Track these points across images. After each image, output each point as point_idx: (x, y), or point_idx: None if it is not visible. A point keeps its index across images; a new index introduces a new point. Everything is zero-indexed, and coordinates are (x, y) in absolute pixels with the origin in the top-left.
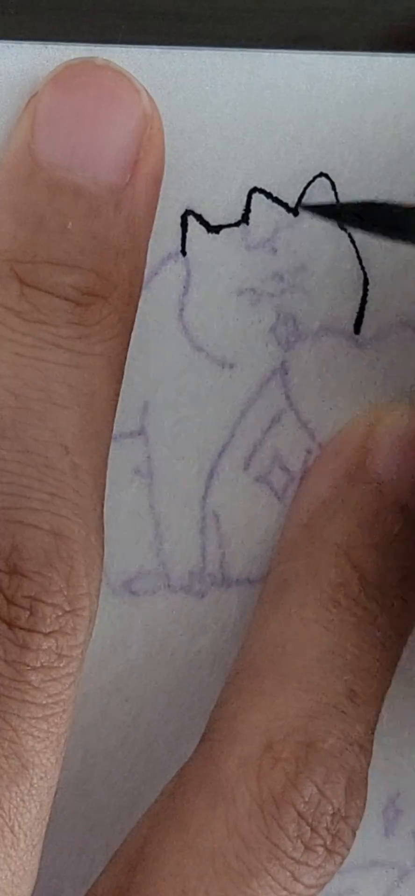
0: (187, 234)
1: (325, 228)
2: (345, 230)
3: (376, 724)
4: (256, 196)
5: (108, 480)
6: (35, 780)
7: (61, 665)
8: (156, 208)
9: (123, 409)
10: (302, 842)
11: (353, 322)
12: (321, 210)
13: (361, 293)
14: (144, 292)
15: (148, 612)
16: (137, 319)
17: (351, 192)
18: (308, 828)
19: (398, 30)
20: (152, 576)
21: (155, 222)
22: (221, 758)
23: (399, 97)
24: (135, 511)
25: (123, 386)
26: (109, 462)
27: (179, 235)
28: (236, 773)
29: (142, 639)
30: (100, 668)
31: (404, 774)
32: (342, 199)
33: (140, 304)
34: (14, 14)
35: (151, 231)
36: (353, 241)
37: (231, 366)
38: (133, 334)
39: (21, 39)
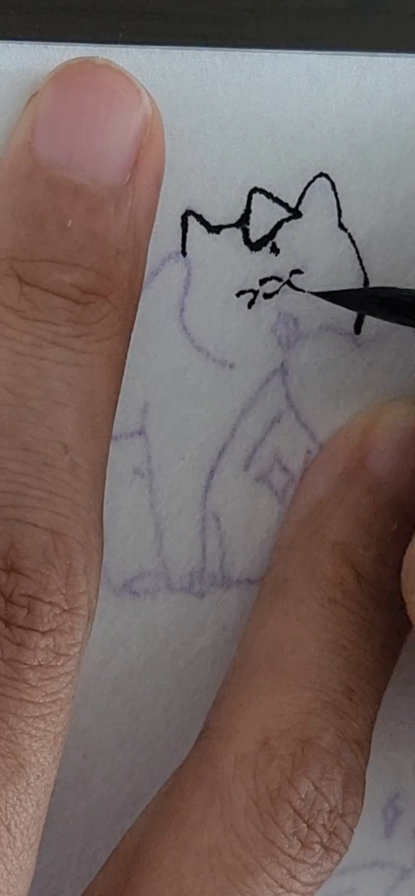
0: (187, 234)
1: (325, 228)
2: (345, 230)
3: (374, 722)
4: (256, 196)
5: (108, 480)
6: (32, 780)
7: (59, 664)
8: (156, 208)
9: (123, 409)
10: (299, 839)
11: (353, 322)
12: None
13: None
14: (144, 292)
15: (148, 612)
16: (137, 319)
17: (351, 192)
18: (305, 825)
19: (398, 30)
20: (152, 576)
21: (155, 222)
22: (218, 755)
23: (399, 97)
24: (135, 511)
25: (123, 386)
26: (109, 462)
27: (180, 235)
28: (233, 770)
29: (142, 639)
30: (100, 669)
31: (404, 774)
32: (342, 198)
33: (140, 303)
34: (14, 14)
35: (151, 230)
36: (353, 242)
37: (231, 366)
38: (133, 334)
39: (21, 39)
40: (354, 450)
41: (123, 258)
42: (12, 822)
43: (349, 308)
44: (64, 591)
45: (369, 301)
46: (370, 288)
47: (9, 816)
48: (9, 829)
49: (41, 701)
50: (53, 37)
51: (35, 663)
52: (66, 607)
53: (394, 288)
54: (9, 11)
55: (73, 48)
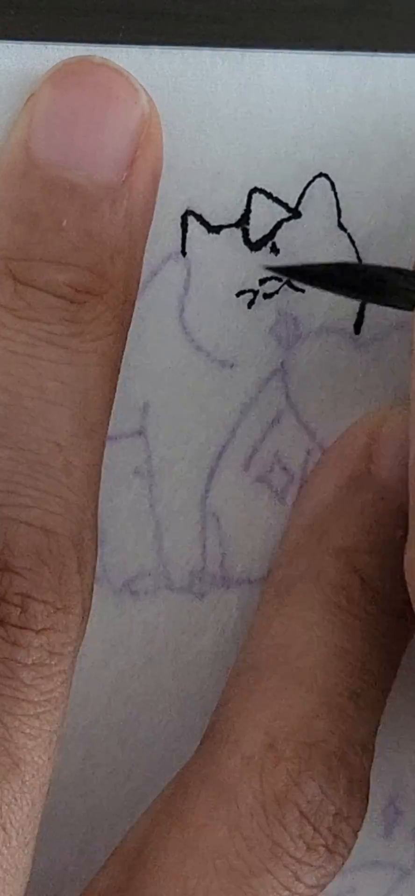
0: (187, 234)
1: (324, 228)
2: (344, 230)
3: (377, 726)
4: (256, 196)
5: (108, 480)
6: (27, 778)
7: (53, 663)
8: (154, 207)
9: (123, 409)
10: (304, 841)
11: (353, 322)
12: (291, 272)
13: None
14: (144, 292)
15: (148, 612)
16: (136, 319)
17: (351, 192)
18: (310, 827)
19: (398, 30)
20: (152, 576)
21: (155, 222)
22: (223, 757)
23: (399, 97)
24: (135, 511)
25: (123, 386)
26: (109, 462)
27: (179, 235)
28: (239, 772)
29: (142, 639)
30: (100, 668)
31: (404, 774)
32: (342, 198)
33: (140, 304)
34: (14, 14)
35: (148, 230)
36: (352, 241)
37: (231, 366)
38: (133, 334)
39: (21, 39)
40: (359, 455)
41: (119, 257)
42: (8, 821)
43: (305, 283)
44: (58, 590)
45: (324, 277)
46: (334, 264)
47: (4, 815)
48: (4, 828)
49: (36, 699)
50: (53, 37)
51: (29, 662)
52: (59, 606)
53: (358, 263)
54: (9, 11)
55: (72, 48)
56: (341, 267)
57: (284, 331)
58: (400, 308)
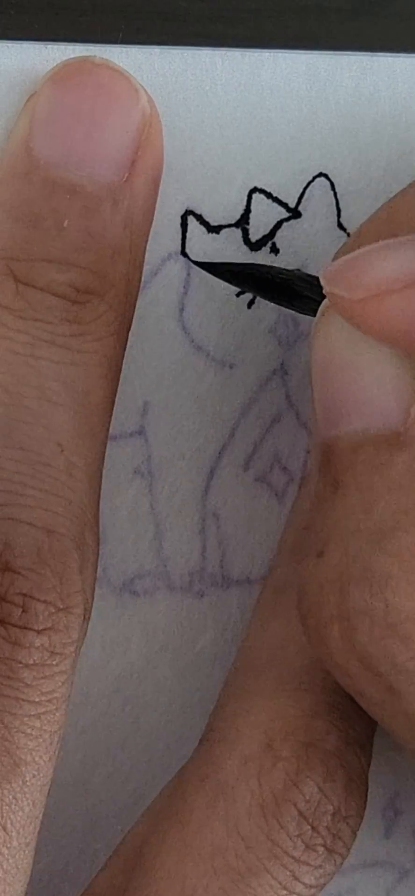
0: (187, 234)
1: (324, 228)
2: (344, 230)
3: (376, 725)
4: (256, 196)
5: (108, 480)
6: (28, 778)
7: (54, 663)
8: (154, 207)
9: (122, 409)
10: (302, 841)
11: None
12: (210, 268)
13: None
14: (144, 292)
15: (148, 612)
16: (137, 319)
17: (350, 192)
18: (309, 827)
19: (398, 30)
20: (152, 576)
21: (155, 222)
22: (222, 757)
23: (399, 97)
24: (135, 511)
25: (122, 386)
26: (109, 462)
27: (179, 235)
28: (237, 772)
29: (142, 639)
30: (100, 669)
31: (404, 775)
32: (341, 198)
33: (140, 303)
34: (14, 14)
35: (149, 230)
36: None
37: (231, 366)
38: (133, 334)
39: (21, 39)
40: None
41: (120, 258)
42: (8, 821)
43: (229, 283)
44: (59, 590)
45: (246, 277)
46: (248, 264)
47: (5, 815)
48: (5, 828)
49: (37, 700)
50: (53, 37)
51: (30, 662)
52: (61, 606)
53: (272, 266)
54: (9, 11)
55: (72, 48)
56: (255, 269)
57: (284, 331)
58: (307, 314)
